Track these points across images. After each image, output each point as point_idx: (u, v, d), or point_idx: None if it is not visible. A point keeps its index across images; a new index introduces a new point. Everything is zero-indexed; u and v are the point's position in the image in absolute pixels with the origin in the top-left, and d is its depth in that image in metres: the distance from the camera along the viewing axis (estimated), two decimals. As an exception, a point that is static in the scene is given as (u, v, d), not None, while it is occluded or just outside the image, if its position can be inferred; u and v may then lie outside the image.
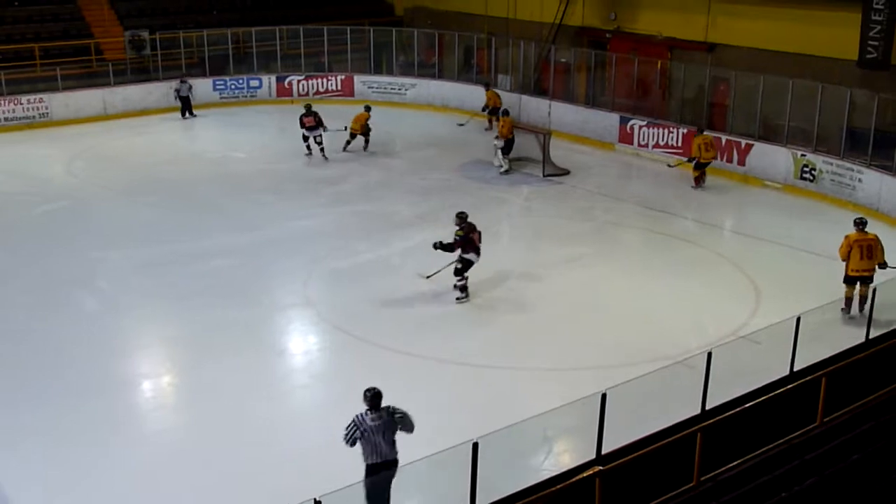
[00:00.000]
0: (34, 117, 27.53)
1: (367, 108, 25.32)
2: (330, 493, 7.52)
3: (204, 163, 24.17)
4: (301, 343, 14.58)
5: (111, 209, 20.45)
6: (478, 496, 8.49)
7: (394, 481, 8.96)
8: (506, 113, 23.93)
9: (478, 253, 15.19)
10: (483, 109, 27.62)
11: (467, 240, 15.05)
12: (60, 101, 27.88)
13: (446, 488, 9.30)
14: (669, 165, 23.16)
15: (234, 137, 26.81)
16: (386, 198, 21.10)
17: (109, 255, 17.39)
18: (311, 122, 23.93)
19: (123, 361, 13.62)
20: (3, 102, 27.01)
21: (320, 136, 23.96)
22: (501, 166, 22.98)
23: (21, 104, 27.33)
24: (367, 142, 25.06)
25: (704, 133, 21.99)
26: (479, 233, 15.33)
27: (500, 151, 23.03)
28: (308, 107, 24.43)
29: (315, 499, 7.40)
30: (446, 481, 9.15)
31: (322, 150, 24.00)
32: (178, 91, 28.49)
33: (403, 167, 24.20)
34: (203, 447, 11.26)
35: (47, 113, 27.72)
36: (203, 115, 28.88)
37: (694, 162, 21.77)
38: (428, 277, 15.54)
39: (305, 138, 24.07)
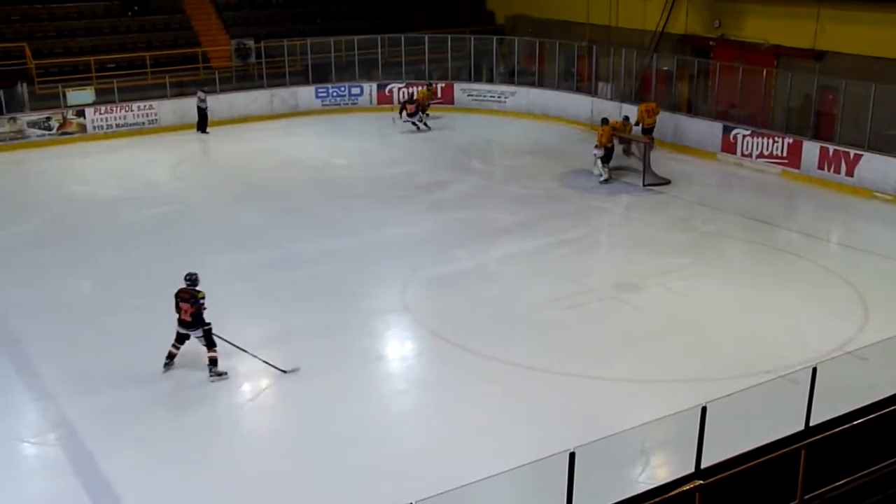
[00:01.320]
0: (144, 123, 28.55)
1: (428, 86, 29.87)
2: (426, 498, 7.61)
3: (305, 169, 24.68)
4: (399, 348, 14.77)
5: (216, 213, 21.07)
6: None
7: (490, 488, 8.99)
8: (605, 122, 23.80)
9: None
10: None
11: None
12: (168, 108, 28.86)
13: (542, 498, 9.31)
14: (624, 149, 24.39)
15: (336, 144, 27.29)
16: (485, 205, 21.20)
17: (215, 259, 17.85)
18: (412, 110, 28.41)
19: (226, 363, 13.98)
20: (115, 109, 28.09)
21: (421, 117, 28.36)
22: (601, 175, 22.85)
23: (132, 111, 28.38)
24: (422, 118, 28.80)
25: (647, 101, 26.14)
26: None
27: (599, 160, 22.91)
28: (412, 95, 28.32)
29: (411, 503, 7.51)
30: (542, 491, 9.16)
31: (426, 124, 28.54)
32: (202, 100, 28.51)
33: (503, 175, 24.29)
34: (301, 449, 11.48)
35: (156, 119, 28.72)
36: (305, 122, 29.51)
37: (639, 127, 24.78)
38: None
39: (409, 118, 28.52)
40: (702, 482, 8.30)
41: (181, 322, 13.20)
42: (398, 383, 13.58)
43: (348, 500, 10.40)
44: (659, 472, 10.74)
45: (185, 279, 13.33)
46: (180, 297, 13.21)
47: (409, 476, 10.48)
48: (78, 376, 13.26)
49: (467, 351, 13.95)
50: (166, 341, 14.39)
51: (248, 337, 14.99)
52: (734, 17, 27.52)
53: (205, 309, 13.10)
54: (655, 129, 25.33)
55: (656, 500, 8.25)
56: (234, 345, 13.27)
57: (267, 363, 13.23)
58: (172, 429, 11.93)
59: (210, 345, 13.21)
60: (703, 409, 9.10)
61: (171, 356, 13.35)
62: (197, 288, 13.24)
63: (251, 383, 13.61)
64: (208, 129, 28.40)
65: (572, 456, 8.24)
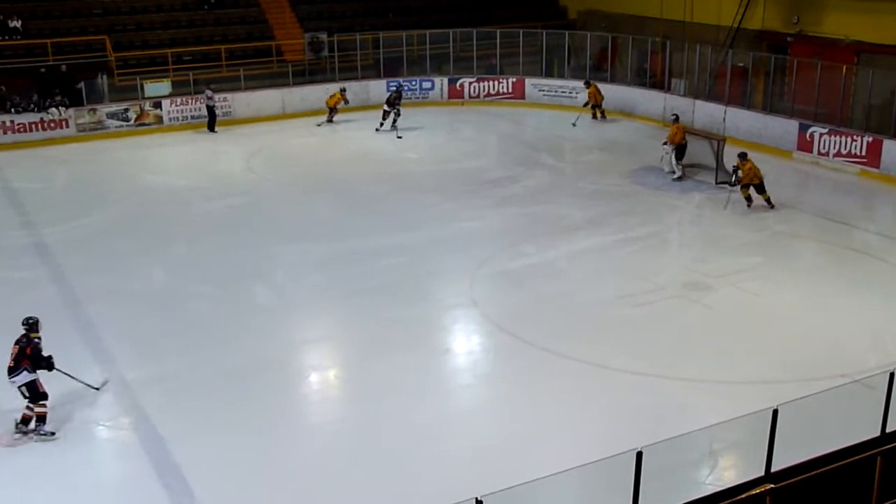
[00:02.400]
0: (218, 115, 28.98)
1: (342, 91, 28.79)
2: (491, 493, 7.61)
3: (376, 162, 24.82)
4: (465, 343, 14.78)
5: (287, 205, 21.32)
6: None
7: (555, 485, 8.96)
8: (676, 119, 23.43)
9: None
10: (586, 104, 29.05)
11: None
12: (242, 101, 29.25)
13: (608, 497, 9.25)
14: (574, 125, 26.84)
15: (406, 138, 27.38)
16: (555, 201, 21.09)
17: (287, 250, 18.13)
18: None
19: (293, 353, 14.20)
20: (191, 101, 28.59)
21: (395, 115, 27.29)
22: (674, 172, 22.57)
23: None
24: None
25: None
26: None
27: (672, 157, 22.62)
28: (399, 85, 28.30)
29: (476, 499, 7.51)
30: (608, 490, 9.11)
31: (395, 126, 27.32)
32: (210, 100, 28.11)
33: (573, 171, 24.14)
34: (367, 441, 11.57)
35: (230, 111, 29.12)
36: (377, 115, 29.65)
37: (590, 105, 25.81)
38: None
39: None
40: (773, 486, 8.18)
41: (8, 369, 11.42)
42: (465, 377, 13.60)
43: (412, 493, 10.45)
44: (727, 474, 10.60)
45: (23, 324, 11.66)
46: (17, 341, 11.54)
47: (474, 471, 10.49)
48: (152, 362, 13.56)
49: (535, 347, 13.91)
50: (238, 327, 14.71)
51: (315, 329, 15.24)
52: (813, 13, 26.93)
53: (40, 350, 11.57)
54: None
55: (725, 502, 8.14)
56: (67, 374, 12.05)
57: (80, 381, 12.26)
58: (241, 416, 12.10)
59: (35, 398, 11.45)
60: (775, 412, 8.95)
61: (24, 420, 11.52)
62: (35, 333, 11.64)
63: (318, 374, 13.79)
64: (217, 129, 28.17)
65: (639, 455, 8.18)
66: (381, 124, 27.45)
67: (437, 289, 16.49)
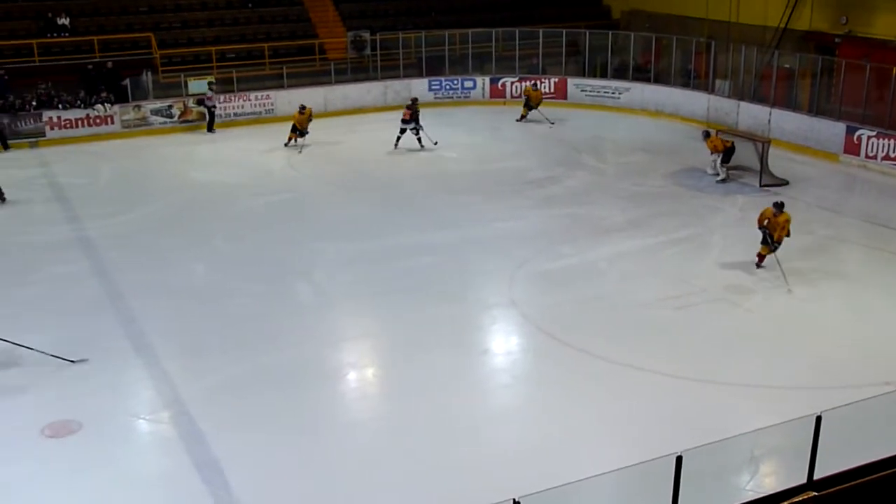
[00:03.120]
0: (260, 113, 29.22)
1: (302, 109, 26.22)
2: (529, 494, 7.59)
3: (416, 161, 24.87)
4: (504, 343, 14.75)
5: (327, 203, 21.42)
6: (679, 511, 8.34)
7: (593, 488, 8.92)
8: (707, 135, 22.97)
9: None
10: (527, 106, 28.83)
11: None
12: (285, 98, 29.42)
13: (646, 502, 9.19)
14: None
15: (446, 137, 27.35)
16: (595, 202, 21.00)
17: (326, 248, 18.22)
18: (407, 116, 25.52)
19: (331, 351, 14.25)
20: (234, 98, 28.84)
21: (416, 129, 25.47)
22: (717, 174, 22.36)
23: (249, 100, 29.10)
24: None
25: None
26: None
27: (718, 160, 22.38)
28: (414, 100, 26.20)
29: (514, 499, 7.50)
30: (647, 494, 9.04)
31: (420, 140, 25.57)
32: (209, 99, 28.03)
33: (614, 172, 23.99)
34: (404, 440, 11.57)
35: (272, 109, 29.34)
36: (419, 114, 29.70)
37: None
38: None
39: (402, 131, 25.52)
40: (815, 494, 8.06)
41: None
42: (503, 378, 13.57)
43: (450, 492, 10.44)
44: (768, 480, 10.48)
45: None
46: None
47: (511, 472, 10.47)
48: (192, 357, 13.68)
49: (574, 348, 13.86)
50: (277, 324, 14.81)
51: (353, 327, 15.30)
52: (863, 14, 26.55)
53: None
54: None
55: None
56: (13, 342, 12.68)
57: (53, 356, 12.87)
58: (280, 413, 12.16)
59: None
60: (818, 419, 8.82)
61: None
62: None
63: (357, 372, 13.83)
64: (215, 129, 28.10)
65: (679, 459, 8.11)
66: (396, 146, 25.57)
67: (475, 288, 16.48)
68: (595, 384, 12.84)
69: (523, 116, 28.96)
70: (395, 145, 25.56)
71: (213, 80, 28.51)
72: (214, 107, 28.22)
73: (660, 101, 29.82)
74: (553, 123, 28.34)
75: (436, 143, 25.65)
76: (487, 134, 27.95)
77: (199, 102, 28.14)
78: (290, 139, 25.92)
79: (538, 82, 30.39)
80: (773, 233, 16.56)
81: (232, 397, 12.55)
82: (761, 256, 16.81)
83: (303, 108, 26.07)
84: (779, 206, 16.73)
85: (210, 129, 28.17)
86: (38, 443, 11.45)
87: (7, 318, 14.80)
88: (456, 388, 12.81)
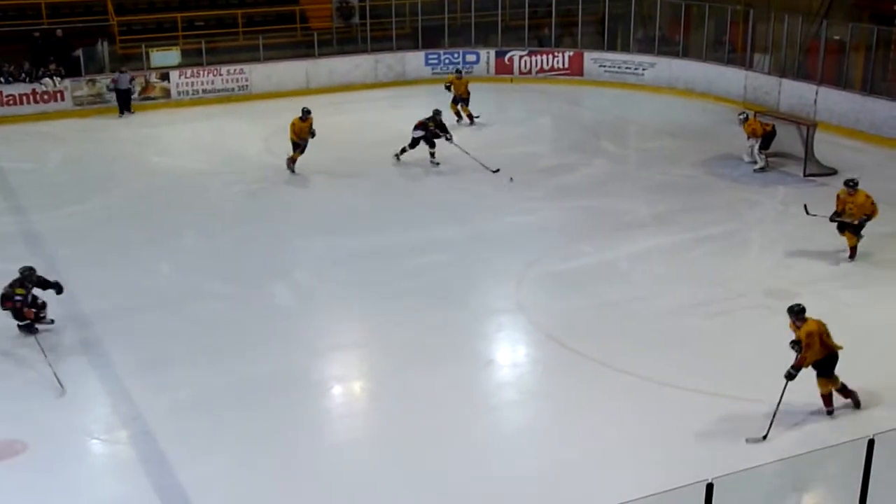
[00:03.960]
0: (233, 90, 29.33)
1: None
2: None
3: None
4: (511, 354, 14.81)
5: (312, 193, 21.49)
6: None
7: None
8: (745, 118, 22.93)
9: None
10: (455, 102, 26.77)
11: None
12: (261, 73, 29.55)
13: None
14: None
15: (446, 118, 27.34)
16: (617, 193, 21.07)
17: (310, 245, 18.27)
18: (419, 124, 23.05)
19: (316, 362, 14.31)
20: (203, 73, 28.94)
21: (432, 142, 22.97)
22: (755, 162, 22.41)
23: (221, 75, 29.21)
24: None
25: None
26: None
27: (756, 146, 22.42)
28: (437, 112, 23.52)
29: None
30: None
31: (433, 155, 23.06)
32: (115, 83, 27.88)
33: (638, 159, 24.09)
34: (397, 464, 11.59)
35: (247, 85, 29.46)
36: (413, 92, 29.74)
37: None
38: None
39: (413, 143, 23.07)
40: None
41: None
42: (510, 393, 13.61)
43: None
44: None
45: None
46: None
47: (518, 501, 10.50)
48: (155, 369, 13.71)
49: (590, 360, 13.89)
50: (253, 332, 14.85)
51: (342, 334, 15.34)
52: (924, -21, 26.60)
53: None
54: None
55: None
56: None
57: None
58: (255, 432, 12.18)
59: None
60: (871, 442, 8.88)
61: None
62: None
63: (343, 385, 13.89)
64: (132, 109, 28.11)
65: (710, 487, 8.16)
66: (402, 152, 23.27)
67: (480, 291, 16.54)
68: (615, 401, 12.87)
69: (460, 116, 26.82)
70: (398, 157, 23.27)
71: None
72: (130, 89, 27.93)
73: (690, 78, 29.90)
74: (473, 121, 26.81)
75: (496, 171, 22.32)
76: (494, 115, 27.98)
77: (114, 83, 27.72)
78: (293, 160, 22.61)
79: (461, 70, 28.96)
80: (851, 216, 16.97)
81: (200, 415, 12.58)
82: (853, 249, 17.28)
83: (307, 113, 22.70)
84: (851, 184, 17.06)
85: (128, 110, 27.88)
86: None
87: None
88: (456, 405, 12.84)
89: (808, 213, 17.90)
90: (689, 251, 17.86)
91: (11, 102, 27.03)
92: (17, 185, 22.00)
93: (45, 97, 27.41)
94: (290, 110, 27.24)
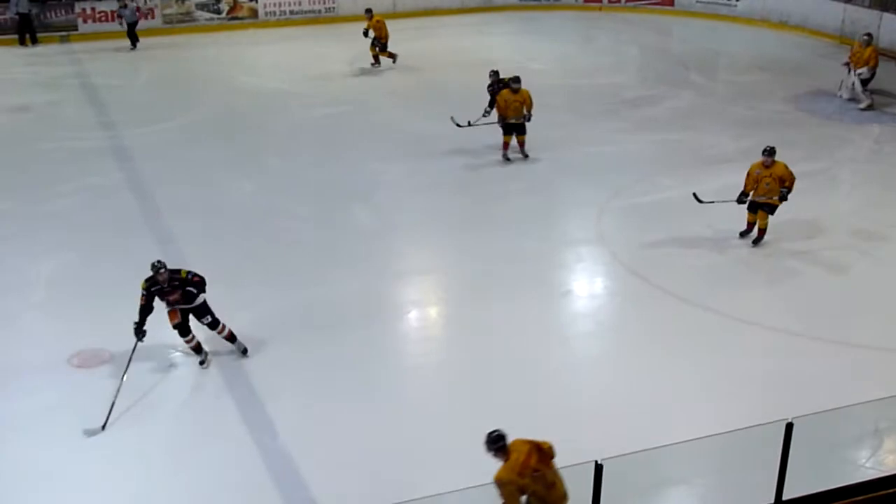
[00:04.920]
0: (320, 11, 29.19)
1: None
2: (614, 456, 7.57)
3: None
4: (590, 285, 14.70)
5: (393, 117, 21.35)
6: (785, 486, 8.25)
7: (687, 453, 8.88)
8: (870, 39, 21.92)
9: None
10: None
11: None
12: (349, -7, 29.30)
13: (748, 471, 9.10)
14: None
15: (531, 46, 27.06)
16: (702, 127, 20.63)
17: (390, 169, 18.22)
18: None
19: (393, 286, 14.33)
20: (289, -7, 28.80)
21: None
22: (856, 100, 21.62)
23: (307, -4, 29.05)
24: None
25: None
26: None
27: (859, 81, 21.56)
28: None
29: (596, 462, 7.49)
30: (749, 463, 8.97)
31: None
32: (120, 16, 26.78)
33: (726, 93, 23.50)
34: (471, 391, 11.57)
35: (334, 7, 29.27)
36: (501, 18, 29.37)
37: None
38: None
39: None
40: (948, 475, 7.91)
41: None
42: (586, 324, 13.51)
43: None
44: (892, 458, 10.33)
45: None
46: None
47: (593, 431, 10.39)
48: (232, 286, 13.75)
49: (670, 294, 13.70)
50: (330, 253, 14.90)
51: (420, 259, 15.33)
52: None
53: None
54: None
55: (889, 490, 7.94)
56: None
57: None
58: (331, 352, 12.28)
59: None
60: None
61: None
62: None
63: (419, 310, 13.90)
64: (136, 44, 26.76)
65: (789, 427, 8.00)
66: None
67: (560, 221, 16.39)
68: (693, 337, 12.70)
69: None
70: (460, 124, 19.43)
71: None
72: (136, 22, 26.83)
73: (785, 9, 28.91)
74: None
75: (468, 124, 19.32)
76: (579, 45, 27.56)
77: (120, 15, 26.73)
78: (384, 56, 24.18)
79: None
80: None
81: (276, 333, 12.68)
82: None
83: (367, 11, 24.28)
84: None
85: (134, 44, 26.80)
86: (66, 373, 11.78)
87: (35, 232, 15.37)
88: (532, 333, 12.79)
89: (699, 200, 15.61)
90: (775, 188, 17.43)
91: (103, 19, 27.27)
92: (107, 101, 22.27)
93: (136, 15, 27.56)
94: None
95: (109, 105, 21.95)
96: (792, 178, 14.79)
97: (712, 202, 15.22)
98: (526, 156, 18.53)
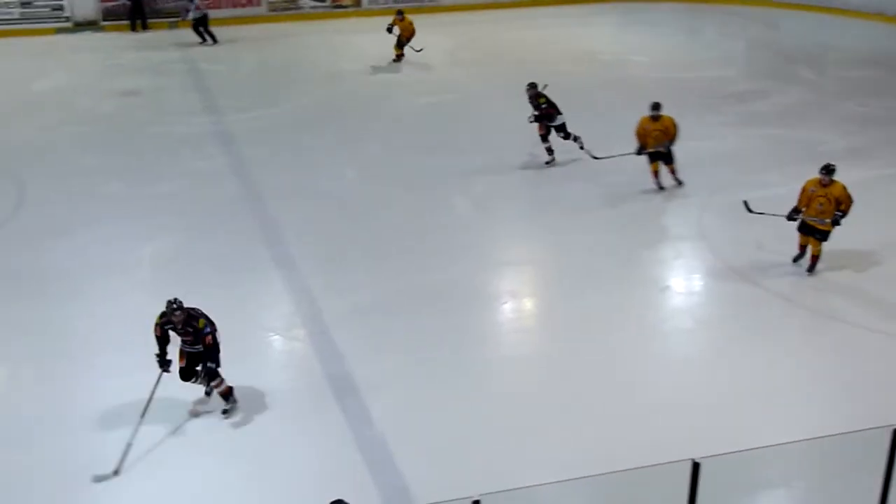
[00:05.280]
0: (423, 1, 29.23)
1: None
2: (707, 456, 7.44)
3: (598, 65, 24.46)
4: (688, 281, 14.52)
5: (494, 108, 21.28)
6: (890, 494, 8.05)
7: (781, 459, 8.72)
8: None
9: None
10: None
11: None
12: (452, -16, 29.37)
13: (851, 477, 8.90)
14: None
15: (636, 38, 26.81)
16: (809, 123, 20.20)
17: (489, 160, 18.17)
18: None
19: (490, 275, 14.32)
20: (391, -18, 28.98)
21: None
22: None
23: (412, -14, 29.20)
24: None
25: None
26: None
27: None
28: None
29: (693, 460, 7.40)
30: (851, 469, 8.77)
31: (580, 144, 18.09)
32: (187, 12, 26.42)
33: (836, 89, 22.97)
34: (563, 383, 11.50)
35: (435, -3, 29.38)
36: (605, 9, 29.13)
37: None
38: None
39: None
40: None
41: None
42: (684, 320, 13.34)
43: (613, 441, 10.22)
44: None
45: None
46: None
47: (685, 429, 10.27)
48: (335, 271, 14.01)
49: (772, 293, 13.47)
50: (431, 241, 14.96)
51: (518, 250, 15.30)
52: None
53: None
54: None
55: None
56: None
57: None
58: (427, 339, 12.35)
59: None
60: None
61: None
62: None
63: (515, 300, 13.89)
64: (207, 39, 26.42)
65: None
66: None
67: (660, 216, 16.22)
68: (796, 337, 12.47)
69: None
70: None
71: None
72: (202, 15, 26.38)
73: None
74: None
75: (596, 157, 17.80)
76: (686, 37, 27.22)
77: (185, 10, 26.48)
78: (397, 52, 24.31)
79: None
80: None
81: (375, 318, 12.79)
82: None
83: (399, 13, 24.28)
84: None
85: (202, 38, 26.43)
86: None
87: (142, 214, 15.76)
88: (628, 328, 12.69)
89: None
90: (886, 187, 16.95)
91: (211, 6, 27.75)
92: (213, 86, 22.73)
93: (242, 2, 28.05)
94: (477, 24, 27.24)
95: (215, 90, 22.39)
96: (849, 202, 13.46)
97: (762, 213, 14.56)
98: (680, 182, 17.07)
